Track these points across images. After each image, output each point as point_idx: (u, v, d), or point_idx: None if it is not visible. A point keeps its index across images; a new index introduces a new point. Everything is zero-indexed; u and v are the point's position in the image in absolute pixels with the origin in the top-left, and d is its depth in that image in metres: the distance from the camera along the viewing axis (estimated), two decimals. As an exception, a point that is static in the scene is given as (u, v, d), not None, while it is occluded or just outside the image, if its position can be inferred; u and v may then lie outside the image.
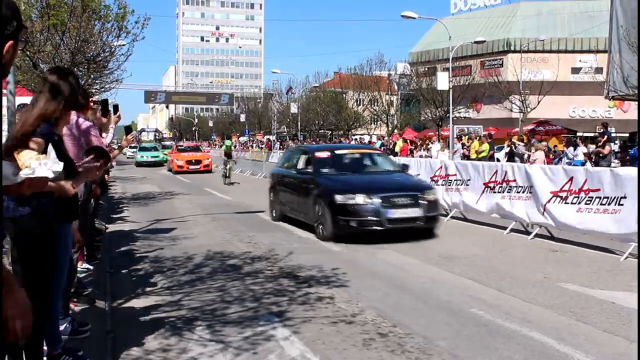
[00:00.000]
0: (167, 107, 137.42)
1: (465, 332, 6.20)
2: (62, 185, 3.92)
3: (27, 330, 2.40)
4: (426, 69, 52.54)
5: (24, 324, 2.31)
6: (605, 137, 21.36)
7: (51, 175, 3.04)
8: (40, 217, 4.35)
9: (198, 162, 36.53)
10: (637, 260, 9.23)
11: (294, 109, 64.90)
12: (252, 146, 59.57)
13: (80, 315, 6.24)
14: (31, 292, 4.27)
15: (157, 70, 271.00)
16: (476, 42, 42.41)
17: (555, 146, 32.63)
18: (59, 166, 3.08)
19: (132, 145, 54.27)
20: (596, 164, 19.34)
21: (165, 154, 45.40)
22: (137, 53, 21.36)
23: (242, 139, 74.71)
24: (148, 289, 7.99)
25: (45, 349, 4.66)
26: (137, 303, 7.32)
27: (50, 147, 3.20)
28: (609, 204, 10.24)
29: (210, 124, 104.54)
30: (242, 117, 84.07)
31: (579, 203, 10.82)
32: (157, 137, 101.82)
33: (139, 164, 45.52)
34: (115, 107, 8.10)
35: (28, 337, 2.52)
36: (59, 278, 4.61)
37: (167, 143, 70.77)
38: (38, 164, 2.97)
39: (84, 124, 6.22)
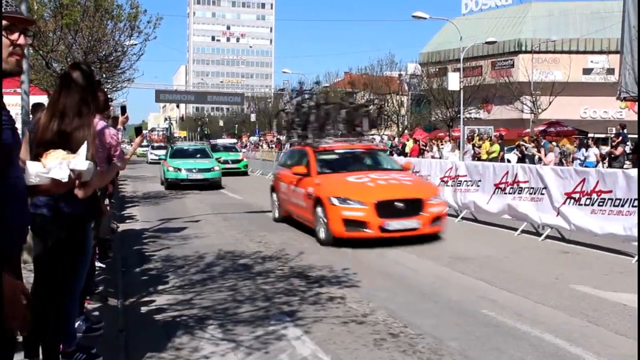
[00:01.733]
0: (177, 106, 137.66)
1: (476, 332, 6.20)
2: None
3: (16, 317, 2.43)
4: (437, 69, 52.43)
5: (8, 311, 2.35)
6: (620, 138, 21.27)
7: (66, 175, 3.05)
8: (58, 219, 4.40)
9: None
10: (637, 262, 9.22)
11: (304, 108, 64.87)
12: (262, 146, 59.58)
13: (93, 314, 6.28)
14: (49, 290, 4.35)
15: (168, 69, 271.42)
16: (487, 43, 42.30)
17: (564, 146, 32.52)
18: (84, 165, 3.10)
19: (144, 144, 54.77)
20: (609, 165, 19.26)
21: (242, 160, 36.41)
22: (148, 52, 21.50)
23: (253, 138, 74.73)
24: (160, 287, 8.04)
25: (60, 347, 4.70)
26: (149, 302, 7.37)
27: (83, 146, 3.22)
28: (622, 206, 10.20)
29: (221, 123, 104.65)
30: (253, 117, 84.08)
31: (592, 205, 10.79)
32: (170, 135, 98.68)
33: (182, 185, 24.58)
34: (123, 108, 8.14)
35: (24, 326, 2.55)
36: (78, 278, 4.66)
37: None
38: (57, 164, 2.99)
39: (99, 124, 6.25)
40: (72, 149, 3.25)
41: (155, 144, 58.51)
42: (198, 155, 26.51)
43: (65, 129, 4.15)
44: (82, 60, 16.93)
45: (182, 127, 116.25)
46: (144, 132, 9.64)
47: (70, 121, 4.20)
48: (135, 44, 18.48)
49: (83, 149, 3.16)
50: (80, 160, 3.09)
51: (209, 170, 24.78)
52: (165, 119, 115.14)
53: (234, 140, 57.69)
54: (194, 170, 24.36)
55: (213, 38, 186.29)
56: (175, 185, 24.02)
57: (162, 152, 44.04)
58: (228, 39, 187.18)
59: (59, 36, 16.37)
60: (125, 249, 10.88)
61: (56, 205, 4.39)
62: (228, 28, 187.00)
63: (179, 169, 24.34)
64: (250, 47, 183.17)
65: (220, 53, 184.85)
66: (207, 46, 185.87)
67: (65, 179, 3.03)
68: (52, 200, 4.37)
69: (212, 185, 24.34)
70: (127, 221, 14.51)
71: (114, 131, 6.55)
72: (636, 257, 9.70)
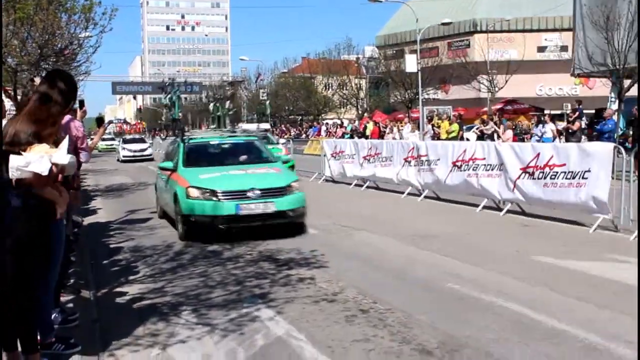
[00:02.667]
0: (134, 97, 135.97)
1: (444, 306, 6.42)
2: (51, 192, 4.02)
3: None
4: (394, 51, 52.84)
5: None
6: (577, 113, 21.78)
7: (47, 169, 3.13)
8: (28, 211, 4.46)
9: None
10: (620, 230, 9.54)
11: (263, 95, 64.81)
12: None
13: (67, 306, 6.34)
14: (24, 283, 4.41)
15: (123, 60, 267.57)
16: (443, 24, 42.75)
17: (519, 122, 33.15)
18: (65, 159, 3.18)
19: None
20: (566, 140, 19.72)
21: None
22: (103, 44, 21.08)
23: (212, 127, 74.32)
24: (131, 277, 8.10)
25: (38, 338, 4.77)
26: (121, 292, 7.43)
27: (64, 141, 3.29)
28: (573, 178, 10.55)
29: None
30: (211, 107, 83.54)
31: (544, 178, 11.11)
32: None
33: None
34: (81, 103, 8.14)
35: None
36: (52, 270, 4.73)
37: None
38: (38, 158, 3.07)
39: (64, 117, 6.28)
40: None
41: (128, 136, 52.27)
42: (244, 158, 12.52)
43: (39, 132, 4.22)
44: (36, 55, 16.79)
45: (142, 120, 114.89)
46: (114, 120, 9.58)
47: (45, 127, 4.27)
48: (91, 36, 18.31)
49: (64, 143, 3.25)
50: (61, 154, 3.17)
51: (280, 192, 10.83)
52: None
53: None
54: (250, 194, 10.58)
55: (168, 27, 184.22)
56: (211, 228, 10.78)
57: (141, 146, 40.83)
58: (183, 28, 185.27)
59: (13, 30, 16.15)
60: (92, 241, 10.86)
61: (25, 197, 4.45)
62: (183, 17, 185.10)
63: (215, 193, 10.59)
64: (206, 35, 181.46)
65: (175, 42, 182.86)
66: (162, 36, 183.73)
67: (45, 172, 3.11)
68: (22, 192, 4.42)
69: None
70: (92, 215, 14.45)
71: (79, 124, 6.61)
72: (593, 227, 10.07)
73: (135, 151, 39.60)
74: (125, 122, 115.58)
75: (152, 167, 27.63)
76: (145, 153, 39.64)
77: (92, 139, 8.80)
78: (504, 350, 5.11)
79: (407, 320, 5.92)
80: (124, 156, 39.34)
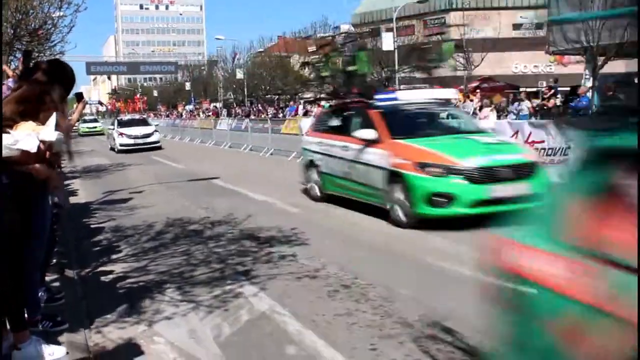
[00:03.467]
0: (109, 78, 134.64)
1: (424, 280, 6.56)
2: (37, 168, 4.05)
3: None
4: (370, 29, 52.73)
5: None
6: (552, 91, 22.01)
7: (35, 146, 3.17)
8: (14, 187, 4.48)
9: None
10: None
11: (239, 74, 64.48)
12: (199, 115, 59.03)
13: (52, 285, 6.37)
14: (12, 260, 4.44)
15: (96, 40, 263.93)
16: (418, 2, 42.73)
17: (498, 101, 33.32)
18: (53, 135, 3.22)
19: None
20: (542, 117, 19.94)
21: None
22: (77, 24, 20.52)
23: (189, 107, 73.93)
24: (114, 256, 8.15)
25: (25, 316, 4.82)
26: (105, 271, 7.48)
27: (52, 117, 3.33)
28: (554, 155, 10.73)
29: (155, 93, 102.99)
30: (187, 86, 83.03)
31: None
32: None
33: None
34: (79, 95, 8.03)
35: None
36: (38, 247, 4.77)
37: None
38: (26, 135, 3.11)
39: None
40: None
41: (125, 117, 37.21)
42: None
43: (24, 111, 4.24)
44: (10, 35, 16.58)
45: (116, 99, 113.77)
46: (89, 99, 9.43)
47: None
48: (65, 16, 18.10)
49: (52, 120, 3.28)
50: (49, 131, 3.21)
51: None
52: None
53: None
54: None
55: (141, 6, 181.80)
56: None
57: (144, 129, 30.17)
58: (157, 7, 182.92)
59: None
60: (73, 222, 10.87)
61: (12, 174, 4.47)
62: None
63: None
64: (181, 14, 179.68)
65: (149, 21, 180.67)
66: (135, 15, 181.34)
67: (33, 149, 3.15)
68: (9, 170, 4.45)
69: None
70: (71, 196, 14.40)
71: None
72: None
73: (137, 137, 29.43)
74: (100, 103, 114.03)
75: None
76: (150, 140, 29.77)
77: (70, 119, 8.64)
78: (486, 322, 5.24)
79: (389, 295, 6.04)
80: (121, 145, 29.40)
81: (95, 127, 52.34)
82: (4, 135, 3.14)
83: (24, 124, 3.23)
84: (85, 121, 52.93)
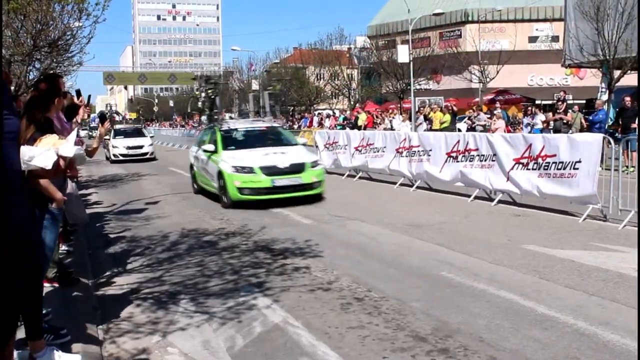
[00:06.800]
0: (125, 88, 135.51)
1: (437, 293, 6.57)
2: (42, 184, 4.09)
3: None
4: (385, 41, 52.81)
5: None
6: (565, 104, 21.91)
7: (52, 161, 3.21)
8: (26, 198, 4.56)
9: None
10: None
11: (255, 85, 64.70)
12: (215, 125, 59.06)
13: (67, 295, 6.44)
14: (25, 269, 4.49)
15: (114, 51, 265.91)
16: (435, 14, 42.78)
17: (512, 114, 33.33)
18: (71, 151, 3.27)
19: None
20: (558, 130, 19.81)
21: None
22: (95, 34, 20.55)
23: (204, 117, 74.05)
24: (129, 267, 8.23)
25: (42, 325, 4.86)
26: (119, 281, 7.54)
27: (73, 133, 3.39)
28: (564, 169, 10.71)
29: (171, 103, 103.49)
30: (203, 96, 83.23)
31: (539, 169, 11.27)
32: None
33: None
34: (78, 92, 8.11)
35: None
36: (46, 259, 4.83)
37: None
38: (43, 151, 3.16)
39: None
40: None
41: (121, 127, 38.40)
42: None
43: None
44: (29, 46, 16.77)
45: (132, 109, 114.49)
46: (107, 113, 9.49)
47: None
48: (82, 27, 18.27)
49: (72, 136, 3.34)
50: (67, 147, 3.26)
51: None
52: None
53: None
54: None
55: (159, 17, 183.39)
56: None
57: (139, 141, 30.98)
58: (174, 18, 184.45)
59: (6, 21, 16.13)
60: (89, 231, 10.96)
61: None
62: (174, 7, 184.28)
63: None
64: (197, 25, 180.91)
65: (166, 32, 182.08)
66: (153, 26, 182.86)
67: (48, 166, 3.18)
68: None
69: None
70: (88, 206, 14.52)
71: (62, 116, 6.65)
72: (583, 217, 10.25)
73: (131, 148, 30.26)
74: (116, 112, 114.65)
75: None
76: (141, 152, 30.37)
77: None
78: (496, 336, 5.26)
79: (401, 308, 6.06)
80: (115, 155, 30.11)
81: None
82: (24, 149, 3.20)
83: (47, 137, 3.29)
84: (87, 128, 45.91)
